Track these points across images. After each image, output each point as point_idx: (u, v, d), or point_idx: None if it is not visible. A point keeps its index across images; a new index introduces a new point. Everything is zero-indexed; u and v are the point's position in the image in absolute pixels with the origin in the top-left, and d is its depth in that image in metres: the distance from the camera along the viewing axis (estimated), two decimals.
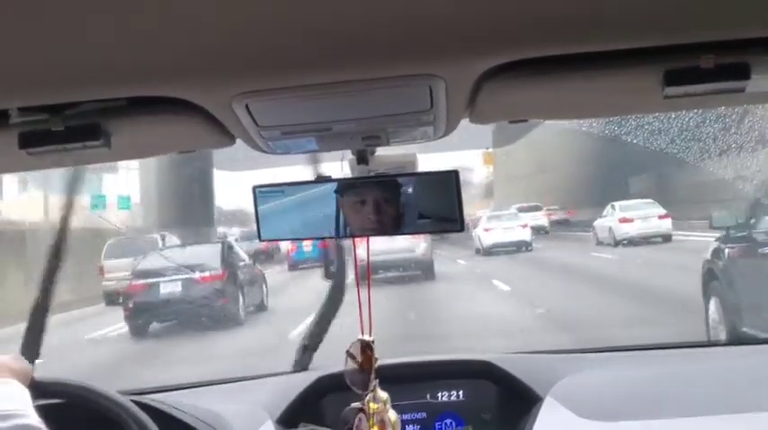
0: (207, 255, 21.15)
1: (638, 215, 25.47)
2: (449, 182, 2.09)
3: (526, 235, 27.79)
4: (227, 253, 21.40)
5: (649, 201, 25.69)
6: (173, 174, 32.62)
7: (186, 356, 15.60)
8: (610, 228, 26.60)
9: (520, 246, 27.39)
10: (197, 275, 19.59)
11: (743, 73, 1.71)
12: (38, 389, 2.13)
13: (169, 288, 19.85)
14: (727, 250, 9.80)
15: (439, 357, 3.45)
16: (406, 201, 2.11)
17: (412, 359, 3.37)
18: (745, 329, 8.91)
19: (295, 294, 22.89)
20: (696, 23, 1.54)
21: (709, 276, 9.74)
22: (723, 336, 9.27)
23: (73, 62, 1.52)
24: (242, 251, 24.65)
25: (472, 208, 53.77)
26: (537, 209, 40.11)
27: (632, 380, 3.11)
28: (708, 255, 10.13)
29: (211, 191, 35.57)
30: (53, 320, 3.55)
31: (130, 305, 19.71)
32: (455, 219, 2.10)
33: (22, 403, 1.98)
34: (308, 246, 27.86)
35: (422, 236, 20.50)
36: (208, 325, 18.65)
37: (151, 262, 21.28)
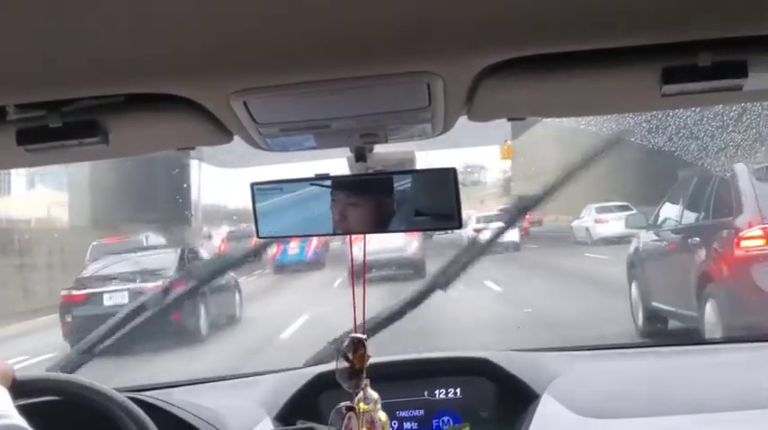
0: (163, 261, 18.59)
1: (612, 217, 25.89)
2: (447, 179, 2.07)
3: (514, 236, 27.48)
4: (189, 258, 18.93)
5: (624, 203, 26.09)
6: (137, 166, 28.55)
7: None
8: (587, 229, 27.41)
9: (508, 247, 26.81)
10: (149, 285, 16.08)
11: (740, 71, 1.68)
12: (22, 388, 2.12)
13: (115, 299, 17.09)
14: (640, 246, 12.40)
15: (436, 354, 3.41)
16: (404, 199, 2.09)
17: (409, 356, 3.34)
18: (654, 304, 11.31)
19: (275, 301, 21.79)
20: (694, 21, 1.52)
21: (630, 266, 12.41)
22: (641, 311, 11.76)
23: (70, 58, 1.50)
24: (212, 254, 22.16)
25: (486, 208, 50.90)
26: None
27: (630, 377, 3.10)
28: (630, 250, 12.72)
29: (189, 186, 32.10)
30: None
31: (68, 319, 17.05)
32: (453, 216, 2.08)
33: (5, 404, 1.96)
34: (294, 248, 26.75)
35: (414, 235, 20.79)
36: (161, 343, 15.24)
37: (97, 268, 18.77)
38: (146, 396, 2.71)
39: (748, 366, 3.08)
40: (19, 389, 2.08)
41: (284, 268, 28.40)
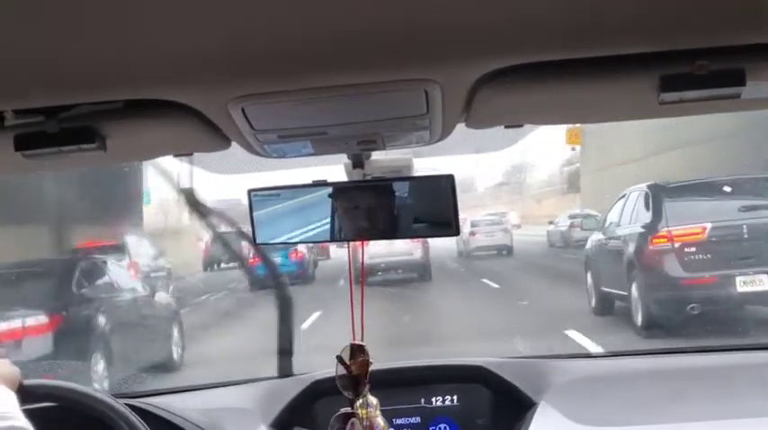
0: (32, 288, 10.47)
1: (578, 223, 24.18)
2: (444, 186, 1.77)
3: (507, 239, 25.02)
4: (78, 281, 10.74)
5: (593, 212, 24.38)
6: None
7: None
8: (561, 233, 25.25)
9: (501, 250, 24.65)
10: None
11: (738, 79, 1.45)
12: (27, 393, 1.81)
13: None
14: (591, 244, 13.12)
15: (433, 362, 2.93)
16: (401, 206, 1.79)
17: (406, 363, 2.89)
18: (602, 288, 11.93)
19: (241, 331, 13.49)
20: (691, 29, 1.32)
21: (586, 260, 13.08)
22: (594, 295, 12.24)
23: (69, 64, 1.31)
24: (131, 274, 15.15)
25: (546, 208, 40.72)
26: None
27: (626, 385, 2.68)
28: (586, 248, 13.50)
29: (138, 188, 24.20)
30: None
31: None
32: (450, 223, 1.77)
33: (11, 406, 1.65)
34: (275, 257, 17.79)
35: (420, 239, 17.50)
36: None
37: None
38: (143, 402, 2.38)
39: (748, 373, 2.66)
40: (24, 393, 1.78)
41: (262, 282, 19.58)
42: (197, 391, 2.86)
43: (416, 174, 1.88)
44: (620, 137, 28.51)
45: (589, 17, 1.25)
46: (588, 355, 3.12)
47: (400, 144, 1.85)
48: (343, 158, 1.87)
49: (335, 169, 1.90)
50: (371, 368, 1.99)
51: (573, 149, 35.34)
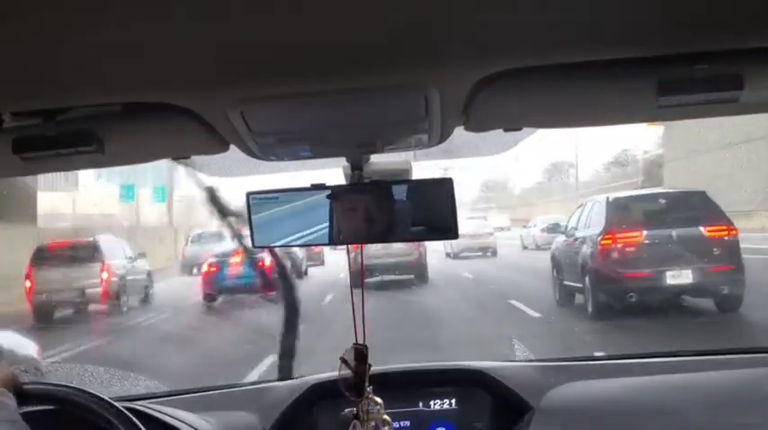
0: None
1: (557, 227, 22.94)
2: (444, 189, 1.41)
3: (491, 241, 22.36)
4: None
5: (563, 218, 21.97)
6: None
7: None
8: (533, 236, 23.76)
9: (485, 251, 21.86)
10: None
11: (736, 83, 1.19)
12: (25, 395, 1.47)
13: None
14: (555, 245, 12.76)
15: (431, 365, 2.43)
16: (400, 209, 1.43)
17: (404, 366, 2.38)
18: (564, 282, 11.44)
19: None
20: (690, 34, 1.06)
21: (552, 258, 12.47)
22: (557, 287, 11.77)
23: (67, 67, 1.06)
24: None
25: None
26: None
27: (624, 389, 2.17)
28: (551, 247, 13.12)
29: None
30: None
31: None
32: (449, 226, 1.41)
33: (9, 411, 1.36)
34: (234, 266, 13.95)
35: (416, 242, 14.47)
36: None
37: None
38: (141, 405, 1.94)
39: (751, 379, 2.11)
40: (25, 396, 1.47)
41: (221, 292, 14.59)
42: (195, 395, 2.32)
43: (416, 177, 1.50)
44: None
45: (588, 21, 1.02)
46: (588, 358, 2.53)
47: (399, 147, 1.50)
48: (342, 162, 1.51)
49: (334, 172, 1.51)
50: (373, 370, 1.58)
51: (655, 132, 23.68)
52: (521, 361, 2.62)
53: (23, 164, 1.32)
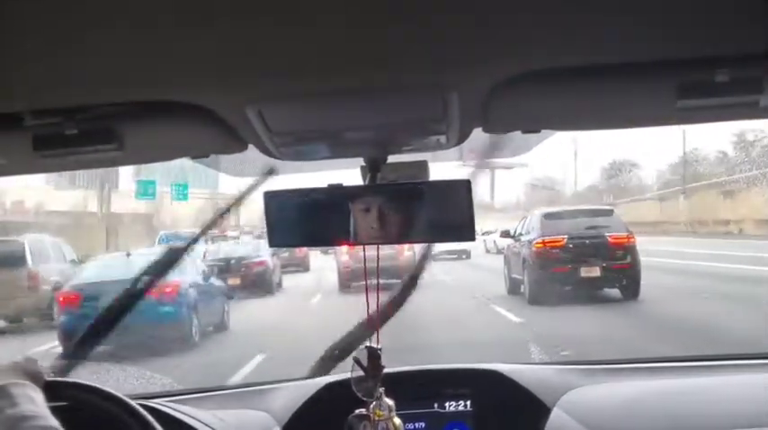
0: None
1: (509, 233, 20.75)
2: (461, 190, 1.03)
3: (466, 245, 18.45)
4: None
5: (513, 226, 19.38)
6: None
7: None
8: (494, 241, 21.05)
9: (460, 255, 18.54)
10: None
11: (756, 87, 0.86)
12: (50, 391, 1.08)
13: None
14: (506, 248, 11.99)
15: (447, 366, 1.83)
16: (417, 210, 1.05)
17: (419, 367, 1.79)
18: (512, 275, 10.64)
19: None
20: (710, 37, 0.77)
21: (505, 258, 11.63)
22: (507, 280, 10.84)
23: (87, 66, 0.79)
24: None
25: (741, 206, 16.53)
26: None
27: (641, 393, 1.65)
28: (504, 249, 12.51)
29: None
30: None
31: None
32: (466, 227, 1.03)
33: (40, 405, 1.00)
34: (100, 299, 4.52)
35: (406, 245, 9.86)
36: None
37: None
38: (157, 403, 1.47)
39: (763, 384, 1.56)
40: (48, 391, 1.08)
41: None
42: (209, 394, 1.75)
43: (433, 178, 1.10)
44: None
45: (607, 24, 0.75)
46: (604, 362, 1.87)
47: (416, 148, 1.12)
48: (359, 162, 1.12)
49: (350, 173, 1.11)
50: (385, 371, 1.17)
51: None
52: (537, 363, 2.08)
53: (44, 161, 1.01)
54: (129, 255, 7.22)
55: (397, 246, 10.84)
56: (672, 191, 20.24)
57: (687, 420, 1.42)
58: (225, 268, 9.32)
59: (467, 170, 1.18)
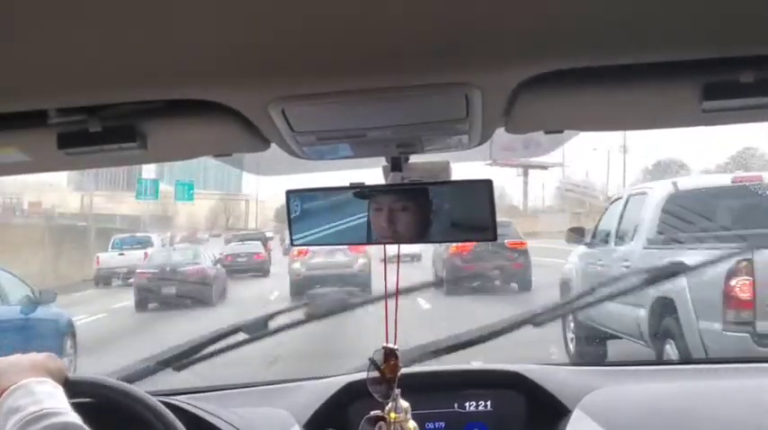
0: None
1: None
2: (482, 191, 0.80)
3: (417, 250, 15.02)
4: None
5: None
6: None
7: None
8: (434, 248, 17.18)
9: (413, 258, 15.08)
10: None
11: None
12: (71, 387, 0.80)
13: None
14: (433, 253, 10.57)
15: (467, 367, 1.51)
16: (439, 210, 0.81)
17: (439, 368, 1.45)
18: (437, 273, 9.68)
19: None
20: (735, 37, 0.58)
21: (432, 262, 10.68)
22: (435, 275, 9.89)
23: (111, 64, 0.59)
24: None
25: None
26: None
27: (661, 395, 1.34)
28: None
29: None
30: None
31: None
32: (488, 227, 0.79)
33: (62, 402, 0.73)
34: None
35: (360, 250, 9.15)
36: None
37: None
38: (178, 400, 1.17)
39: None
40: (69, 387, 0.80)
41: None
42: (234, 391, 1.43)
43: (455, 178, 0.86)
44: None
45: (633, 24, 0.57)
46: (625, 363, 1.59)
47: (439, 148, 0.88)
48: (381, 162, 0.88)
49: (372, 172, 0.87)
50: (405, 371, 0.94)
51: None
52: (557, 364, 1.75)
53: (68, 159, 0.80)
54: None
55: (349, 252, 9.26)
56: None
57: (707, 423, 1.15)
58: (159, 276, 7.23)
59: (494, 169, 0.98)
